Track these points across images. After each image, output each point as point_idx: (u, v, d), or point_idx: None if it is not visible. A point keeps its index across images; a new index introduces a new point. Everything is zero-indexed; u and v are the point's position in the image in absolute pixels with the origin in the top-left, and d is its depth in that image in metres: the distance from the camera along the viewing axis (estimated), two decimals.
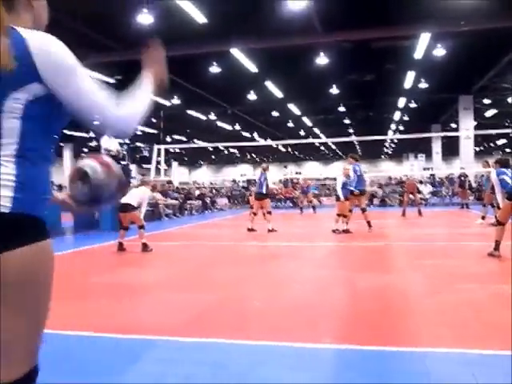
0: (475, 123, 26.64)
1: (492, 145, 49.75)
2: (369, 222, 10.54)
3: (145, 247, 8.28)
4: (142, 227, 8.36)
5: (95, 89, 1.49)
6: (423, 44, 15.56)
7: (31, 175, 1.38)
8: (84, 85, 1.46)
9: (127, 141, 16.40)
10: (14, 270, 1.31)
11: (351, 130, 38.50)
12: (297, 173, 47.46)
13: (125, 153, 14.20)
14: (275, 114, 29.42)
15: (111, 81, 19.54)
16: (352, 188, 10.50)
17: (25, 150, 1.36)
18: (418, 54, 16.51)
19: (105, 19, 13.42)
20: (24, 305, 1.36)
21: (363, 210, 10.81)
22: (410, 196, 16.03)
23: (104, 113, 1.47)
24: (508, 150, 52.67)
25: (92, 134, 34.23)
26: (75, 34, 13.95)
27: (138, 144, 34.12)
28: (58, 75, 1.39)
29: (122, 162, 13.81)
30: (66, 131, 33.64)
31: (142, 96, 1.65)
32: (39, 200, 1.42)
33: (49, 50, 1.38)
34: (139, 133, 34.33)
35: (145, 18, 13.00)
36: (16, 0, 1.47)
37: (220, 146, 41.84)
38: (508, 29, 14.62)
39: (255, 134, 38.49)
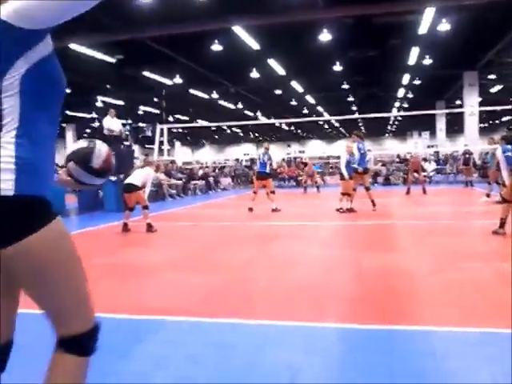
0: (480, 99, 26.37)
1: (497, 121, 49.35)
2: (373, 201, 10.50)
3: (149, 227, 8.29)
4: (146, 207, 8.36)
5: None
6: (427, 19, 15.29)
7: (32, 156, 1.39)
8: None
9: (129, 121, 16.35)
10: (39, 254, 1.37)
11: (354, 108, 38.21)
12: (300, 151, 47.36)
13: (127, 133, 14.15)
14: (278, 91, 29.19)
15: (112, 60, 19.38)
16: (356, 166, 10.44)
17: (24, 129, 1.37)
18: (423, 29, 16.25)
19: None
20: (64, 279, 1.47)
21: (367, 189, 10.77)
22: (414, 174, 15.97)
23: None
24: None
25: (94, 115, 34.15)
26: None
27: (141, 124, 34.02)
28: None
29: (125, 143, 13.77)
30: (68, 112, 33.57)
31: None
32: (43, 180, 1.43)
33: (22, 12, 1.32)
34: (141, 112, 34.21)
35: None
36: None
37: (223, 125, 41.68)
38: None
39: (258, 113, 38.27)
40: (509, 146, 6.95)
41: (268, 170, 11.20)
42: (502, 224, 6.69)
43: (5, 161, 1.33)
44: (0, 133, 1.35)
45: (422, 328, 3.21)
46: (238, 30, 16.12)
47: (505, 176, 7.00)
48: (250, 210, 11.17)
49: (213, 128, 47.06)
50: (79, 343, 1.52)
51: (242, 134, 57.18)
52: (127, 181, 8.44)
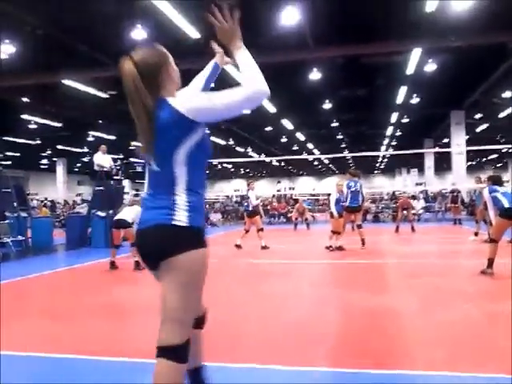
0: (467, 137, 26.82)
1: (484, 159, 50.09)
2: (363, 240, 10.48)
3: (137, 265, 8.18)
4: (134, 244, 8.27)
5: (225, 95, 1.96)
6: (414, 59, 15.70)
7: (197, 204, 2.00)
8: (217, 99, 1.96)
9: (121, 156, 16.37)
10: (189, 264, 1.94)
11: (344, 145, 38.64)
12: (290, 188, 47.54)
13: (118, 168, 14.13)
14: (268, 128, 29.49)
15: (104, 96, 19.54)
16: (346, 204, 10.45)
17: (190, 183, 1.98)
18: (410, 69, 16.66)
19: (98, 35, 13.44)
20: (188, 288, 1.98)
21: (359, 227, 10.77)
22: (404, 212, 16.04)
23: (239, 99, 1.95)
24: (499, 165, 53.10)
25: (86, 149, 34.18)
26: (69, 49, 13.99)
27: (132, 159, 34.08)
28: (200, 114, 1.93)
29: (116, 178, 13.75)
30: (59, 146, 33.60)
31: (246, 61, 2.08)
32: (201, 217, 2.05)
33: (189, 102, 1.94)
34: (133, 147, 34.31)
35: (138, 33, 13.04)
36: (160, 78, 2.02)
37: (214, 161, 41.87)
38: (497, 45, 14.82)
39: (249, 149, 38.54)
40: (495, 187, 7.02)
41: (250, 207, 11.18)
42: (490, 264, 6.68)
43: (182, 204, 1.95)
44: (175, 187, 1.97)
45: (411, 372, 3.15)
46: (230, 68, 16.38)
47: (491, 216, 7.05)
48: (238, 247, 11.12)
49: None
50: (170, 353, 1.98)
51: (232, 170, 57.43)
52: (118, 217, 8.37)
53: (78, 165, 44.32)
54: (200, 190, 2.05)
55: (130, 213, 8.33)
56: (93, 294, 6.24)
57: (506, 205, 6.63)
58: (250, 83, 1.96)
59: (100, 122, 25.63)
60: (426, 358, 3.41)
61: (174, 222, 1.92)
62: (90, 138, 30.03)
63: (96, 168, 13.12)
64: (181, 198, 1.95)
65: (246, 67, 2.02)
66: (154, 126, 1.90)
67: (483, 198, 10.77)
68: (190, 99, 1.95)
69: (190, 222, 1.94)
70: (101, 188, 12.98)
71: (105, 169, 13.10)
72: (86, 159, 38.18)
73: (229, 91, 1.93)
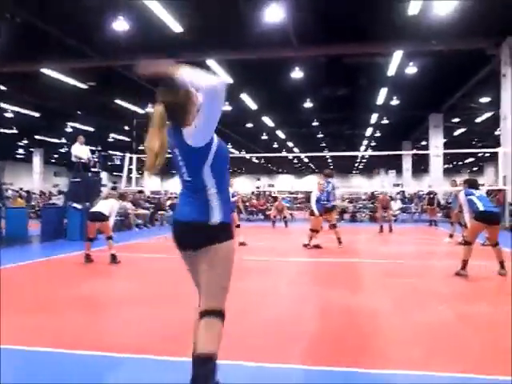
0: (445, 141, 27.24)
1: (460, 163, 50.92)
2: (339, 239, 10.56)
3: (113, 259, 8.09)
4: (110, 238, 8.18)
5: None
6: (396, 61, 15.88)
7: (224, 200, 2.49)
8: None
9: (99, 148, 16.18)
10: (225, 251, 2.50)
11: (324, 144, 38.86)
12: (270, 185, 47.62)
13: (96, 160, 13.95)
14: (249, 125, 29.49)
15: (84, 87, 19.29)
16: (325, 203, 10.52)
17: (217, 185, 2.46)
18: (391, 71, 16.83)
19: (80, 25, 13.25)
20: (226, 269, 2.53)
21: (333, 226, 10.84)
22: (383, 213, 16.15)
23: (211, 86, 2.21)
24: (475, 169, 54.04)
25: (63, 140, 33.65)
26: (49, 38, 13.76)
27: (111, 152, 33.70)
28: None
29: (93, 170, 13.58)
30: (36, 136, 33.04)
31: (191, 73, 2.27)
32: (229, 213, 2.58)
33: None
34: (111, 140, 33.95)
35: (120, 25, 12.90)
36: (188, 106, 2.40)
37: None
38: (477, 50, 15.08)
39: (229, 145, 38.47)
40: (471, 190, 7.13)
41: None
42: (464, 265, 6.79)
43: (214, 202, 2.45)
44: (207, 191, 2.44)
45: (385, 371, 3.19)
46: (212, 64, 16.33)
47: (467, 219, 7.17)
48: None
49: None
50: (214, 313, 2.50)
51: None
52: (95, 209, 8.23)
53: (56, 156, 43.68)
54: (226, 189, 2.55)
55: (105, 206, 8.21)
56: (67, 286, 6.16)
57: (481, 208, 6.74)
58: (210, 85, 2.20)
59: (79, 112, 25.29)
60: (400, 357, 3.46)
61: (212, 221, 2.43)
62: (69, 129, 29.62)
63: (73, 159, 12.93)
64: (212, 199, 2.45)
65: (195, 76, 2.25)
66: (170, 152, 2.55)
67: (459, 201, 11.01)
68: (196, 137, 2.35)
69: (222, 219, 2.45)
70: (78, 179, 12.80)
71: (82, 160, 12.93)
72: (63, 150, 37.66)
73: (207, 106, 2.26)
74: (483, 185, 29.23)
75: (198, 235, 2.46)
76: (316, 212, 10.26)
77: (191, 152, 2.39)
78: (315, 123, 28.32)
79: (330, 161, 50.72)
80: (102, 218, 8.09)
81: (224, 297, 2.56)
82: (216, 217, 2.43)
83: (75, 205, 12.16)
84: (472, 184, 7.37)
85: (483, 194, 7.18)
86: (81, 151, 12.99)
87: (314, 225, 10.42)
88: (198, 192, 2.46)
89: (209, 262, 2.47)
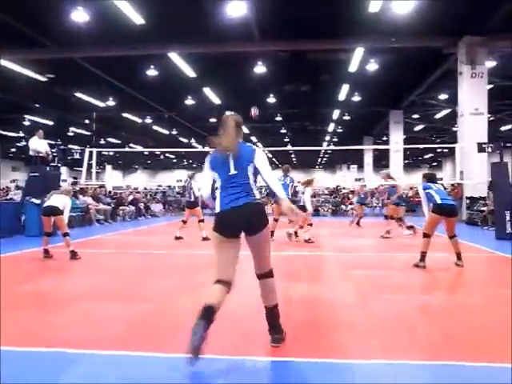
0: (404, 137, 27.81)
1: (420, 158, 52.10)
2: (296, 232, 10.78)
3: (73, 255, 7.93)
4: (66, 234, 7.99)
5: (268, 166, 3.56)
6: (357, 58, 16.10)
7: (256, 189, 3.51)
8: (265, 163, 3.53)
9: (58, 142, 15.79)
10: (269, 230, 3.55)
11: (287, 139, 39.06)
12: None
13: (55, 154, 13.62)
14: (213, 120, 29.36)
15: (43, 79, 18.78)
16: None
17: (254, 182, 3.51)
18: (353, 67, 17.05)
19: (38, 15, 12.88)
20: (266, 246, 3.53)
21: (290, 220, 11.04)
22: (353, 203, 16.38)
23: (272, 179, 3.53)
24: (435, 164, 55.43)
25: (21, 134, 32.68)
26: (5, 27, 13.31)
27: (70, 146, 32.93)
28: (259, 160, 3.50)
29: (52, 164, 13.26)
30: None
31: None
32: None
33: (258, 152, 3.54)
34: (71, 134, 33.19)
35: (80, 15, 12.61)
36: (240, 129, 3.69)
37: (156, 151, 41.22)
38: (435, 49, 15.47)
39: (192, 140, 38.22)
40: (429, 184, 7.32)
41: (192, 198, 11.25)
42: (423, 257, 6.99)
43: (257, 192, 3.49)
44: (252, 181, 3.47)
45: (344, 361, 3.25)
46: (175, 57, 16.18)
47: (425, 211, 7.35)
48: (178, 238, 11.05)
49: (145, 153, 46.44)
50: (270, 273, 3.56)
51: (175, 160, 56.78)
52: (48, 203, 8.01)
53: (13, 150, 42.40)
54: (256, 182, 3.55)
55: (59, 200, 8.01)
56: (25, 282, 6.01)
57: (439, 201, 6.92)
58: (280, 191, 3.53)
59: (37, 105, 24.60)
60: (359, 347, 3.53)
61: (258, 201, 3.49)
62: (27, 122, 28.79)
63: (31, 153, 12.59)
64: (256, 188, 3.51)
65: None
66: (238, 151, 3.49)
67: (398, 194, 11.73)
68: (263, 162, 3.52)
69: (259, 200, 3.54)
70: (36, 174, 12.48)
71: (41, 154, 12.60)
72: (21, 144, 36.57)
73: (271, 173, 3.55)
74: (441, 179, 30.02)
75: (253, 214, 3.46)
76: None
77: (249, 163, 3.54)
78: (278, 118, 28.43)
79: (293, 156, 51.04)
80: (55, 211, 7.90)
81: (270, 261, 3.60)
82: (258, 200, 3.54)
83: (33, 200, 11.87)
84: (430, 178, 7.56)
85: (441, 188, 7.36)
86: (39, 145, 12.65)
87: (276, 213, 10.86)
88: (244, 186, 3.47)
89: (261, 239, 3.47)
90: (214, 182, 3.60)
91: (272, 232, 10.69)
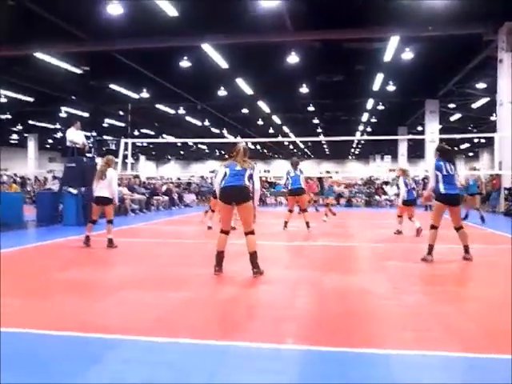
0: (440, 126, 27.24)
1: (456, 148, 50.90)
2: (307, 223, 10.69)
3: (110, 243, 8.10)
4: (111, 222, 8.19)
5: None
6: (392, 47, 15.81)
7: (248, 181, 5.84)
8: (257, 174, 5.90)
9: (94, 133, 16.10)
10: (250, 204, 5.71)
11: (320, 130, 38.79)
12: (265, 171, 47.57)
13: (91, 145, 13.88)
14: (245, 110, 29.40)
15: (79, 71, 19.15)
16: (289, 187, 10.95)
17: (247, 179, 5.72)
18: (387, 56, 16.77)
19: (74, 8, 13.11)
20: (249, 213, 5.73)
21: (303, 211, 11.01)
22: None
23: (256, 185, 5.94)
24: (471, 154, 54.13)
25: (58, 125, 33.43)
26: (42, 21, 13.62)
27: (105, 137, 33.55)
28: (254, 173, 5.83)
29: (88, 155, 13.52)
30: (30, 121, 32.84)
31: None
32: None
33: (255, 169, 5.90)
34: (106, 125, 33.79)
35: (114, 8, 12.78)
36: (247, 152, 5.92)
37: (189, 141, 41.54)
38: (472, 36, 15.03)
39: (224, 131, 38.38)
40: (441, 163, 6.67)
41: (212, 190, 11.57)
42: (430, 250, 6.57)
43: (247, 181, 5.72)
44: (245, 179, 5.68)
45: (377, 351, 3.24)
46: (207, 48, 16.24)
47: (427, 192, 7.13)
48: (209, 228, 11.12)
49: (178, 144, 46.86)
50: (252, 232, 5.65)
51: (207, 151, 57.15)
52: (99, 193, 8.18)
53: (50, 141, 43.43)
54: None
55: (105, 187, 8.19)
56: (65, 269, 6.18)
57: (442, 191, 6.51)
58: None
59: (73, 97, 25.11)
60: (394, 338, 3.51)
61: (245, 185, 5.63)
62: (63, 114, 29.42)
63: (68, 144, 12.85)
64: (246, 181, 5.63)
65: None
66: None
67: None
68: (255, 174, 5.81)
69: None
70: (73, 165, 12.75)
71: (77, 145, 12.86)
72: (58, 135, 37.41)
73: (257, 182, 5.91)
74: (479, 169, 29.27)
75: (241, 193, 5.60)
76: None
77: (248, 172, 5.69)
78: (311, 108, 28.23)
79: (325, 146, 50.69)
80: (106, 201, 8.14)
81: (252, 224, 5.71)
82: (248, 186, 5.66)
83: (70, 190, 12.13)
84: (445, 153, 6.82)
85: (450, 173, 6.61)
86: (76, 136, 12.90)
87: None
88: (241, 179, 5.61)
89: (245, 209, 5.60)
90: (225, 174, 5.67)
91: (285, 222, 11.00)
